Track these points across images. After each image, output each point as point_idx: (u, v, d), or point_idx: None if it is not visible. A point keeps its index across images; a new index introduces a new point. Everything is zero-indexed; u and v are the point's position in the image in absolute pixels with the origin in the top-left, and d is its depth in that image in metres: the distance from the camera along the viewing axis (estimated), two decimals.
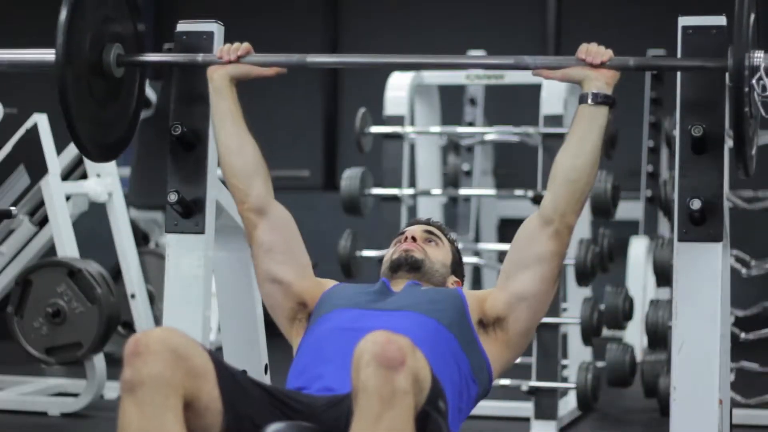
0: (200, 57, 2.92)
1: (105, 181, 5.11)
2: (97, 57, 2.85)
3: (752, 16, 2.68)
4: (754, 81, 2.60)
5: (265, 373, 3.11)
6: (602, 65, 2.76)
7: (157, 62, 3.03)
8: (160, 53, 3.01)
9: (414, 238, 2.90)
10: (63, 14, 2.74)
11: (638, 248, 6.56)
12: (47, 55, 2.83)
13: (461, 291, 2.79)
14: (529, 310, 2.72)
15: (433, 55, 3.10)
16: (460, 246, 3.04)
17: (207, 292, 2.96)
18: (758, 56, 2.63)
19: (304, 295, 2.80)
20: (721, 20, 2.84)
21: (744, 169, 2.69)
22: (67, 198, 4.99)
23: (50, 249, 4.99)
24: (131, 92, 2.99)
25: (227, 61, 2.87)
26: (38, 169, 4.77)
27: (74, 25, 2.76)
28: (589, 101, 2.72)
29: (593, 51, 2.78)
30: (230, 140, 2.87)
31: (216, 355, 2.42)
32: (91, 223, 5.83)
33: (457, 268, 2.95)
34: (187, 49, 2.98)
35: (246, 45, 2.88)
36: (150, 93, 6.49)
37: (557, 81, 2.84)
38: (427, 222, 3.00)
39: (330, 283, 2.84)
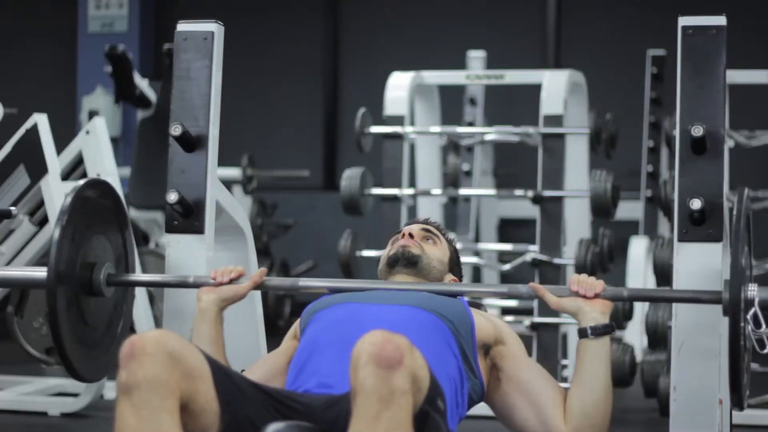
0: (191, 278, 2.88)
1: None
2: (88, 276, 2.84)
3: (746, 249, 2.69)
4: (749, 316, 2.60)
5: None
6: (596, 297, 2.71)
7: (146, 282, 3.01)
8: (150, 275, 2.98)
9: (411, 235, 2.91)
10: (55, 235, 2.72)
11: (638, 248, 6.55)
12: (38, 273, 2.82)
13: (464, 300, 2.79)
14: (499, 413, 2.76)
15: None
16: (459, 246, 3.04)
17: None
18: (752, 289, 2.63)
19: (290, 359, 2.74)
20: (721, 20, 2.84)
21: (738, 403, 2.68)
22: None
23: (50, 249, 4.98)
24: (120, 310, 2.97)
25: (218, 283, 2.82)
26: (38, 169, 4.76)
27: (65, 245, 2.74)
28: (590, 336, 2.68)
29: (585, 283, 2.72)
30: None
31: (211, 356, 2.42)
32: None
33: (454, 266, 2.96)
34: (188, 51, 2.99)
35: (240, 269, 2.84)
36: (150, 93, 6.49)
37: (552, 308, 2.77)
38: (425, 221, 3.02)
39: (296, 325, 2.82)
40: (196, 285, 2.85)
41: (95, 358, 2.88)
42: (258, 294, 3.18)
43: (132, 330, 5.35)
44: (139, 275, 3.01)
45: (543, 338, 4.60)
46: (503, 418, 2.77)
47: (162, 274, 2.96)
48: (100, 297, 2.86)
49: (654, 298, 3.00)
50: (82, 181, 2.85)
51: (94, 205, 2.87)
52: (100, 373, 2.96)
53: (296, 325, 2.82)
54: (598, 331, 2.67)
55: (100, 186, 2.92)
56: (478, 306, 2.94)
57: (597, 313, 2.69)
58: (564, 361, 4.95)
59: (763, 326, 2.62)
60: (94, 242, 2.86)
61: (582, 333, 2.68)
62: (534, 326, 4.68)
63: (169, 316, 2.98)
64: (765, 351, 2.67)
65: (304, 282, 2.90)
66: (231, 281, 2.82)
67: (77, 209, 2.78)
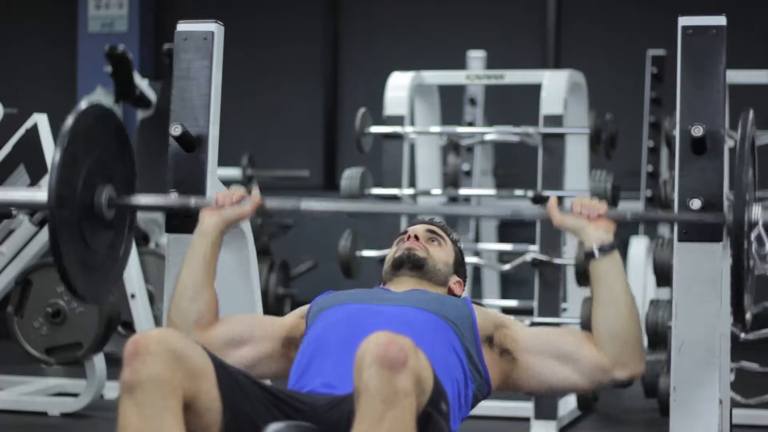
0: (193, 201, 2.88)
1: None
2: (89, 199, 2.83)
3: (750, 171, 2.68)
4: (753, 236, 2.60)
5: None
6: (598, 218, 2.71)
7: (148, 206, 2.97)
8: (152, 195, 2.95)
9: (417, 237, 2.90)
10: (56, 157, 2.71)
11: (638, 248, 6.55)
12: (40, 194, 2.81)
13: (468, 300, 2.79)
14: (535, 386, 2.71)
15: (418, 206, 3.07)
16: (461, 245, 3.04)
17: None
18: (756, 210, 2.63)
19: (288, 338, 2.77)
20: (721, 20, 2.84)
21: (741, 323, 2.67)
22: None
23: (50, 249, 4.98)
24: (121, 233, 2.96)
25: (222, 206, 2.83)
26: (38, 169, 4.76)
27: (67, 167, 2.73)
28: (598, 256, 2.67)
29: (588, 205, 2.72)
30: (188, 287, 2.78)
31: (215, 355, 2.42)
32: None
33: (459, 268, 2.95)
34: (188, 51, 2.99)
35: (240, 192, 2.85)
36: (150, 93, 6.49)
37: (554, 226, 2.76)
38: (430, 222, 3.01)
39: (306, 306, 2.82)
40: (199, 207, 2.85)
41: (96, 281, 2.88)
42: (258, 294, 3.18)
43: (131, 329, 5.36)
44: (140, 197, 2.96)
45: None
46: (541, 387, 2.70)
47: (164, 197, 2.94)
48: (101, 219, 2.85)
49: (657, 219, 2.97)
50: (83, 104, 2.83)
51: (95, 129, 2.85)
52: (100, 295, 2.96)
53: (305, 310, 2.80)
54: (605, 249, 2.66)
55: (101, 109, 2.90)
56: (477, 305, 2.93)
57: (601, 232, 2.68)
58: None
59: (766, 242, 2.61)
60: (95, 165, 2.84)
61: (589, 254, 2.67)
62: (534, 326, 4.67)
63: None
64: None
65: (306, 204, 2.90)
66: (233, 204, 2.82)
67: (78, 132, 2.77)
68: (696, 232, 2.80)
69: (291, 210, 2.93)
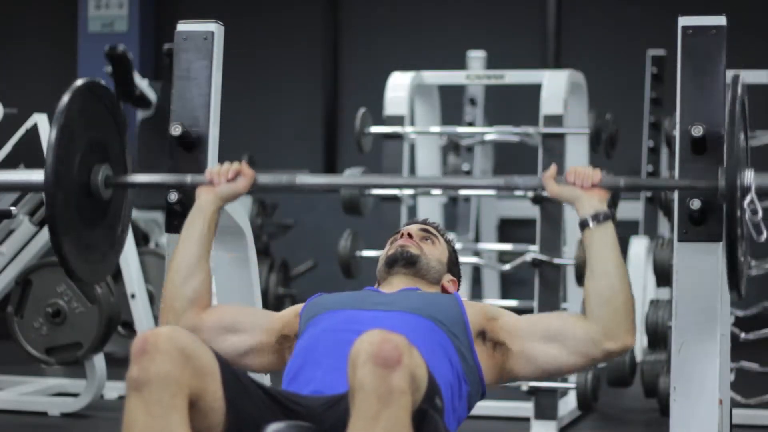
0: (189, 178, 2.87)
1: None
2: (86, 178, 2.81)
3: (741, 136, 2.68)
4: (745, 204, 2.59)
5: (265, 373, 3.11)
6: (593, 187, 2.72)
7: (145, 183, 2.96)
8: (149, 173, 2.95)
9: (410, 235, 2.91)
10: (52, 135, 2.69)
11: (638, 248, 6.55)
12: (35, 175, 2.79)
13: (458, 296, 2.79)
14: (530, 372, 2.71)
15: (433, 177, 3.03)
16: (459, 246, 3.04)
17: None
18: (749, 176, 2.62)
19: (281, 333, 2.77)
20: (721, 20, 2.84)
21: (737, 291, 2.67)
22: None
23: (50, 249, 4.98)
24: (118, 213, 2.95)
25: (217, 184, 2.82)
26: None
27: (63, 146, 2.71)
28: (592, 225, 2.68)
29: (582, 174, 2.72)
30: (184, 263, 2.78)
31: (221, 354, 2.42)
32: None
33: (452, 267, 2.95)
34: (188, 51, 2.99)
35: (236, 166, 2.84)
36: (150, 93, 6.49)
37: (550, 196, 2.77)
38: (424, 222, 3.02)
39: (301, 305, 2.82)
40: (194, 185, 2.85)
41: (93, 261, 2.86)
42: (258, 294, 3.18)
43: (131, 329, 5.37)
44: (137, 176, 2.95)
45: None
46: (537, 372, 2.70)
47: (161, 174, 2.93)
48: (98, 199, 2.84)
49: (650, 187, 2.96)
50: (78, 82, 2.82)
51: (91, 107, 2.83)
52: (97, 276, 2.94)
53: (299, 309, 2.80)
54: (600, 218, 2.68)
55: (97, 88, 2.88)
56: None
57: (595, 201, 2.69)
58: None
59: (760, 212, 2.60)
60: (92, 144, 2.83)
61: (584, 224, 2.68)
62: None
63: None
64: (762, 238, 2.64)
65: (301, 179, 2.89)
66: (228, 181, 2.82)
67: (74, 111, 2.75)
68: (696, 232, 2.80)
69: (286, 185, 2.92)
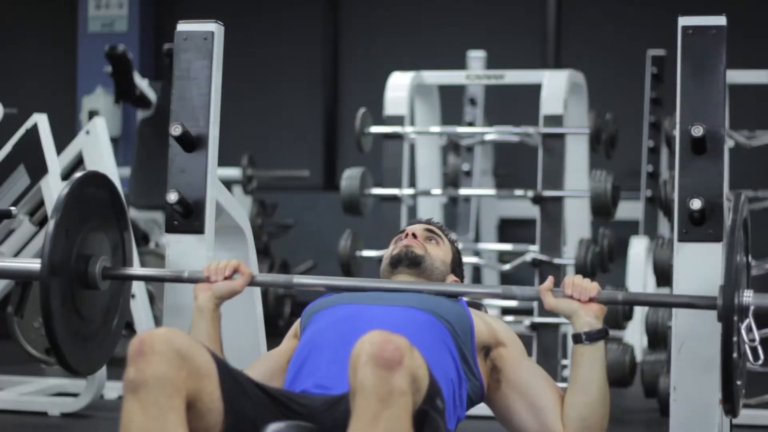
0: (186, 273, 2.86)
1: None
2: (83, 269, 2.81)
3: (741, 257, 2.67)
4: (743, 328, 2.58)
5: None
6: (590, 301, 2.71)
7: (142, 276, 2.97)
8: (145, 269, 2.97)
9: (414, 235, 2.91)
10: (51, 226, 2.69)
11: (638, 248, 6.55)
12: (32, 264, 2.78)
13: (463, 301, 2.79)
14: (500, 415, 2.78)
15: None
16: (460, 246, 3.04)
17: None
18: (748, 296, 2.61)
19: (290, 355, 2.75)
20: (721, 20, 2.84)
21: (732, 412, 2.65)
22: None
23: None
24: (115, 304, 2.95)
25: (214, 282, 2.79)
26: (38, 169, 4.76)
27: (60, 238, 2.71)
28: (585, 341, 2.68)
29: (580, 287, 2.71)
30: None
31: (218, 355, 2.42)
32: None
33: (456, 267, 2.96)
34: (188, 51, 2.99)
35: (233, 263, 2.81)
36: (150, 93, 6.49)
37: (546, 309, 2.76)
38: (428, 222, 3.02)
39: (296, 324, 2.81)
40: (191, 280, 2.83)
41: (90, 352, 2.86)
42: (258, 293, 3.18)
43: (131, 329, 5.36)
44: (134, 269, 2.99)
45: (543, 338, 4.60)
46: (502, 419, 2.78)
47: (157, 269, 2.94)
48: (95, 290, 2.84)
49: (648, 303, 3.01)
50: (79, 174, 2.83)
51: (90, 198, 2.84)
52: (94, 367, 2.94)
53: (296, 325, 2.82)
54: (593, 337, 2.67)
55: (97, 179, 2.90)
56: (478, 306, 2.93)
57: (591, 318, 2.68)
58: (564, 361, 4.95)
59: (756, 335, 2.60)
60: (91, 235, 2.83)
61: (576, 338, 2.69)
62: (534, 326, 4.68)
63: (169, 311, 2.97)
64: (758, 362, 2.66)
65: (299, 279, 2.89)
66: (225, 279, 2.79)
67: (73, 202, 2.76)
68: (696, 232, 2.80)
69: (283, 284, 2.91)
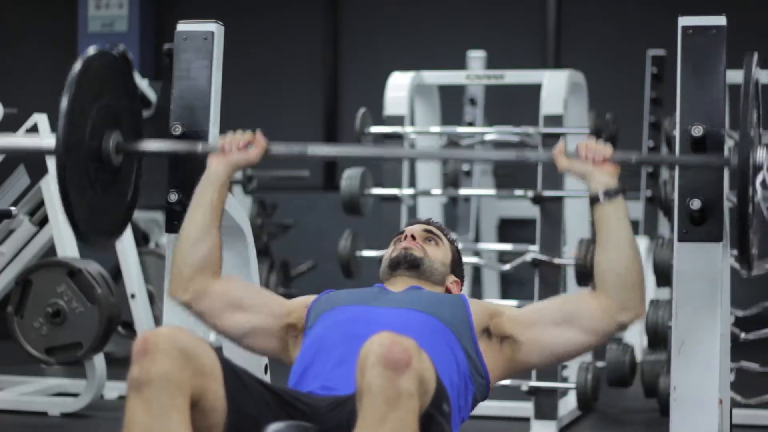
0: (200, 146, 2.88)
1: None
2: (97, 145, 2.83)
3: (755, 114, 2.68)
4: (758, 182, 2.60)
5: (265, 372, 3.11)
6: (604, 162, 2.72)
7: (156, 152, 2.96)
8: (160, 140, 2.95)
9: (413, 237, 2.90)
10: (64, 102, 2.72)
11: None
12: (47, 142, 2.81)
13: (465, 297, 2.79)
14: (543, 359, 2.72)
15: (429, 150, 3.06)
16: (459, 246, 3.04)
17: None
18: (761, 154, 2.63)
19: (286, 321, 2.77)
20: (721, 20, 2.84)
21: (747, 266, 2.67)
22: None
23: (50, 249, 4.99)
24: (129, 179, 2.96)
25: (229, 152, 2.82)
26: (38, 169, 4.77)
27: (75, 112, 2.74)
28: (603, 200, 2.69)
29: (593, 149, 2.72)
30: (193, 229, 2.79)
31: (223, 354, 2.41)
32: None
33: (456, 267, 2.95)
34: (188, 51, 2.99)
35: (248, 136, 2.85)
36: (150, 93, 6.49)
37: (560, 171, 2.79)
38: (427, 222, 3.01)
39: (312, 297, 2.83)
40: (206, 153, 2.85)
41: (104, 225, 2.89)
42: None
43: (131, 329, 5.37)
44: (147, 142, 2.96)
45: None
46: (551, 358, 2.71)
47: (172, 142, 2.94)
48: (109, 165, 2.86)
49: (662, 162, 2.96)
50: (91, 50, 2.84)
51: (102, 75, 2.85)
52: (108, 241, 2.96)
53: (309, 301, 2.80)
54: (611, 194, 2.68)
55: (109, 55, 2.91)
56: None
57: (606, 177, 2.70)
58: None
59: None
60: (103, 111, 2.85)
61: (594, 199, 2.69)
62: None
63: (169, 309, 2.96)
64: None
65: (313, 149, 2.90)
66: (240, 150, 2.83)
67: (85, 79, 2.78)
68: (696, 232, 2.80)
69: (298, 155, 2.93)
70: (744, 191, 2.56)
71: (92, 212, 2.81)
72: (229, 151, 2.82)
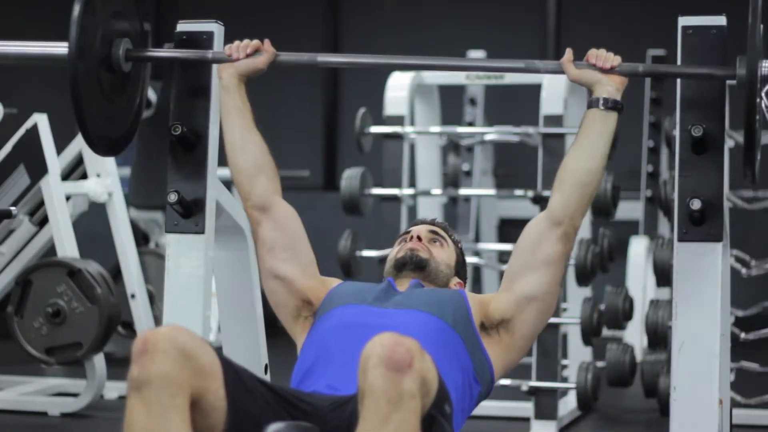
0: (210, 54, 2.94)
1: (105, 181, 5.11)
2: (107, 51, 2.90)
3: (761, 27, 2.69)
4: (763, 92, 2.62)
5: (265, 372, 3.11)
6: (612, 70, 2.77)
7: (165, 58, 3.04)
8: (168, 50, 3.02)
9: (419, 238, 2.90)
10: (76, 10, 2.78)
11: (638, 248, 6.55)
12: (58, 48, 2.87)
13: (464, 292, 2.79)
14: (537, 311, 2.73)
15: (440, 57, 3.12)
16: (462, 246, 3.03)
17: (207, 292, 2.96)
18: (767, 65, 2.64)
19: (308, 293, 2.80)
20: (721, 20, 2.84)
21: (752, 175, 2.70)
22: (67, 198, 4.99)
23: (50, 249, 4.99)
24: (137, 87, 3.03)
25: (236, 59, 2.88)
26: (38, 169, 4.77)
27: (86, 20, 2.81)
28: (600, 106, 2.74)
29: (603, 56, 2.79)
30: (235, 137, 2.86)
31: (223, 354, 2.41)
32: (91, 223, 5.82)
33: (460, 269, 2.95)
34: (188, 47, 2.99)
35: (255, 42, 2.89)
36: (150, 93, 6.49)
37: (570, 80, 2.82)
38: (432, 222, 3.00)
39: (335, 282, 2.85)
40: (215, 60, 2.92)
41: (113, 132, 2.95)
42: (258, 294, 3.18)
43: (131, 329, 5.37)
44: (156, 50, 3.03)
45: (543, 338, 4.59)
46: (545, 305, 2.75)
47: (181, 51, 2.98)
48: (118, 72, 2.92)
49: (669, 74, 2.98)
50: None
51: None
52: (116, 149, 3.02)
53: (329, 284, 2.83)
54: (609, 104, 2.75)
55: None
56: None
57: (612, 88, 2.76)
58: (564, 361, 4.95)
59: None
60: (112, 19, 2.91)
61: (593, 103, 2.76)
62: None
63: (170, 308, 2.96)
64: None
65: (323, 57, 2.95)
66: (248, 56, 2.87)
67: None
68: (696, 232, 2.80)
69: (307, 63, 2.98)
70: (751, 101, 2.60)
71: (102, 119, 2.88)
72: (237, 57, 2.86)
